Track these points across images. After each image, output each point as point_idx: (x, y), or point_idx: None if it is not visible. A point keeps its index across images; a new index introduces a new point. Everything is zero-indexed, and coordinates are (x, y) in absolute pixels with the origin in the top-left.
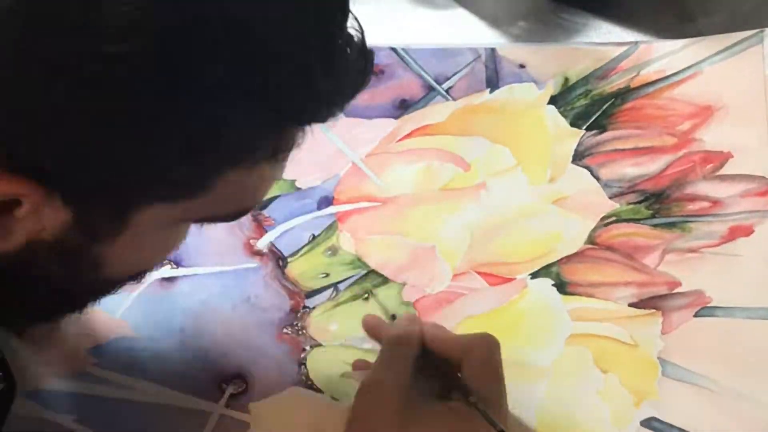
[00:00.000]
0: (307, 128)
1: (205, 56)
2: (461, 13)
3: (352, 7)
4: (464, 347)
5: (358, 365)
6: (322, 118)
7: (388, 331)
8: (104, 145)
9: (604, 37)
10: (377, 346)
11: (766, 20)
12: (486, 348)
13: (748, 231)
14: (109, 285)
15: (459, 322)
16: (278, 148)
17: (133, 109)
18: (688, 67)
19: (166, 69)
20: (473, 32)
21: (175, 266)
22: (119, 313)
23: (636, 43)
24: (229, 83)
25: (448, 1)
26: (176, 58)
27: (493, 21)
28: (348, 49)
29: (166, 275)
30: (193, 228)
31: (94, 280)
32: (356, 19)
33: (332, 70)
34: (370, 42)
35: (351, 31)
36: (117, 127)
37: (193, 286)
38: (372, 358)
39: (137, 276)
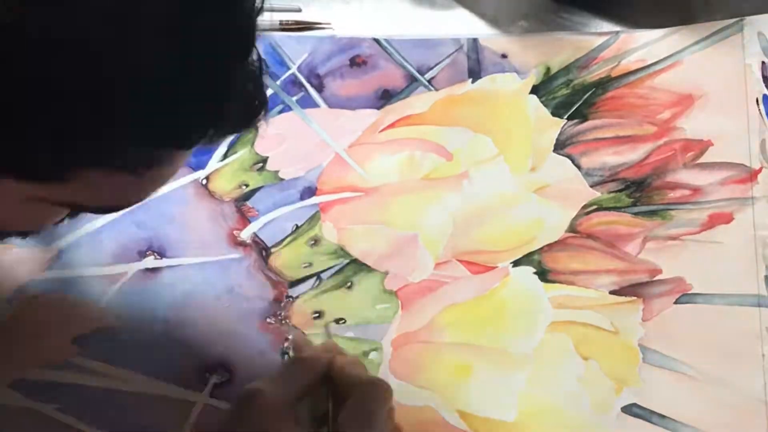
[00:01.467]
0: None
1: (60, 55)
2: (462, 13)
3: (349, 11)
4: (351, 386)
5: (297, 343)
6: (185, 146)
7: (304, 352)
8: None
9: None
10: (361, 335)
11: None
12: (367, 395)
13: (728, 218)
14: None
15: (441, 310)
16: (137, 163)
17: None
18: (669, 56)
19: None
20: (474, 32)
21: (158, 257)
22: (102, 303)
23: (617, 32)
24: (71, 94)
25: (448, 1)
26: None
27: (494, 21)
28: (238, 86)
29: (150, 266)
30: (176, 219)
31: None
32: (259, 54)
33: (214, 108)
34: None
35: (252, 64)
36: None
37: (177, 276)
38: (355, 346)
39: (21, 234)
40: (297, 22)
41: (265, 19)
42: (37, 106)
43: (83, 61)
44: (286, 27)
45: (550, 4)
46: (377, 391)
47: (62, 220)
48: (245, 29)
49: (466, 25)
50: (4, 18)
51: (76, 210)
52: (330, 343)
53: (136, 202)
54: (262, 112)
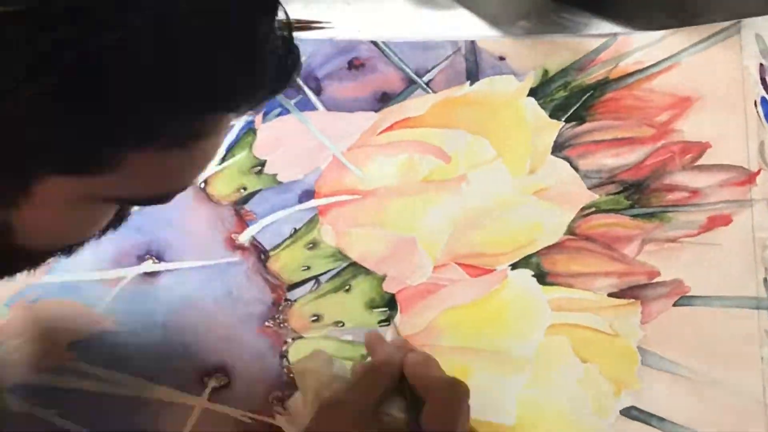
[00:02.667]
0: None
1: (105, 35)
2: (462, 14)
3: (350, 11)
4: (429, 388)
5: (371, 343)
6: (234, 110)
7: (375, 354)
8: None
9: None
10: (359, 338)
11: None
12: (450, 394)
13: (726, 220)
14: (32, 256)
15: (440, 313)
16: (187, 135)
17: (23, 77)
18: (667, 59)
19: (62, 41)
20: (474, 32)
21: (157, 261)
22: (101, 308)
23: (614, 34)
24: (130, 66)
25: (449, 1)
26: (75, 28)
27: (494, 21)
28: (270, 45)
29: (148, 270)
30: (175, 223)
31: (10, 246)
32: (286, 13)
33: (248, 65)
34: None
35: (279, 26)
36: (9, 96)
37: (175, 280)
38: (352, 350)
39: (63, 250)
40: (297, 21)
41: None
42: (83, 87)
43: (125, 37)
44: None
45: (551, 4)
46: (458, 392)
47: (108, 227)
48: None
49: (467, 25)
50: None
51: (125, 204)
52: (400, 341)
53: (185, 185)
54: (297, 68)
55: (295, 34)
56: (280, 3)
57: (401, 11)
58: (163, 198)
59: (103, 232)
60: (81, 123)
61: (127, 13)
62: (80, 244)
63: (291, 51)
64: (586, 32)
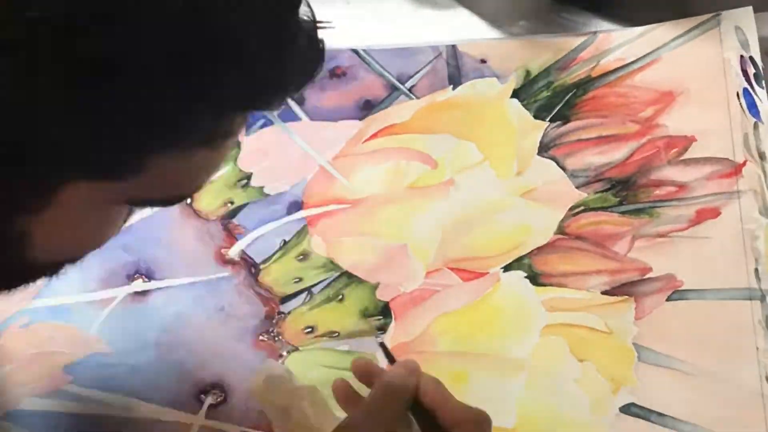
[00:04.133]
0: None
1: (133, 36)
2: (463, 13)
3: (350, 11)
4: (456, 419)
5: (340, 388)
6: (264, 107)
7: (383, 378)
8: (24, 117)
9: None
10: (355, 348)
11: None
12: (477, 426)
13: (715, 213)
14: (44, 266)
15: (434, 318)
16: (215, 134)
17: (53, 81)
18: (647, 54)
19: (90, 42)
20: (474, 32)
21: (146, 279)
22: (93, 329)
23: (595, 32)
24: (160, 65)
25: (449, 1)
26: (101, 30)
27: (494, 20)
28: (297, 38)
29: (139, 289)
30: (163, 240)
31: (24, 258)
32: (309, 6)
33: (277, 59)
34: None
35: (303, 18)
36: (39, 99)
37: (166, 298)
38: (347, 360)
39: (73, 259)
40: None
41: None
42: (115, 89)
43: (161, 35)
44: None
45: (551, 3)
46: (485, 421)
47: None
48: None
49: (468, 25)
50: None
51: (142, 206)
52: (411, 364)
53: (204, 183)
54: (322, 62)
55: None
56: None
57: (401, 11)
58: (180, 198)
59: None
60: (109, 127)
61: (156, 13)
62: (96, 248)
63: (315, 45)
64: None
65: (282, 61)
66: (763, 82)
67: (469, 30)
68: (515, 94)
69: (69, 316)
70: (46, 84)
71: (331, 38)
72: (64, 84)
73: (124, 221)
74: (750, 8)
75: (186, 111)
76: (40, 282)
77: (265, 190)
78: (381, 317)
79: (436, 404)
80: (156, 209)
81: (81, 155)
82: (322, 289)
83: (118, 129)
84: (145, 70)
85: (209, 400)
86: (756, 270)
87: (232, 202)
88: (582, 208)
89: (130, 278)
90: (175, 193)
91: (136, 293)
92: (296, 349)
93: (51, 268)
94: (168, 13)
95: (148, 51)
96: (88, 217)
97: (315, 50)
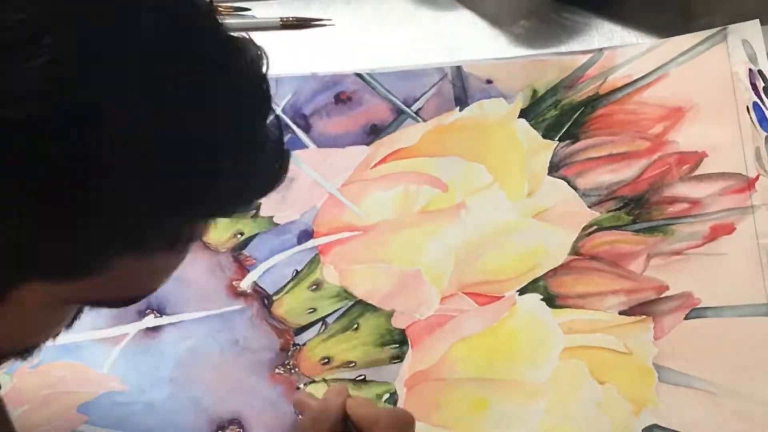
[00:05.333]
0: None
1: (103, 140)
2: (463, 14)
3: (350, 11)
4: (372, 422)
5: (299, 402)
6: (228, 215)
7: (311, 405)
8: None
9: (606, 37)
10: (373, 377)
11: None
12: (391, 425)
13: (729, 229)
14: None
15: (451, 345)
16: (176, 239)
17: (21, 185)
18: (655, 70)
19: (61, 145)
20: (475, 32)
21: (158, 315)
22: (106, 368)
23: (600, 50)
24: (129, 170)
25: (450, 1)
26: (73, 134)
27: (495, 21)
28: (265, 148)
29: (150, 325)
30: (173, 274)
31: None
32: (277, 116)
33: (245, 169)
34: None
35: (271, 128)
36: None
37: (179, 333)
38: (365, 390)
39: (23, 353)
40: (297, 19)
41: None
42: (82, 192)
43: (128, 136)
44: (286, 24)
45: (552, 3)
46: (402, 420)
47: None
48: (263, 86)
49: (468, 25)
50: (32, 86)
51: (97, 306)
52: (339, 386)
53: (162, 284)
54: (287, 169)
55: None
56: (273, 107)
57: (401, 10)
58: (135, 299)
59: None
60: (71, 229)
61: (128, 119)
62: (39, 346)
63: (282, 153)
64: (587, 32)
65: (250, 172)
66: None
67: (469, 31)
68: (523, 113)
69: (80, 354)
70: (11, 186)
71: (331, 41)
72: (31, 187)
73: (74, 319)
74: (757, 21)
75: (151, 217)
76: None
77: (275, 220)
78: (397, 345)
79: (358, 415)
80: None
81: (41, 256)
82: (337, 318)
83: (82, 232)
84: (114, 174)
85: None
86: None
87: (241, 233)
88: (595, 227)
89: (142, 314)
90: (132, 293)
91: (148, 329)
92: (313, 381)
93: (4, 358)
94: (139, 119)
95: (117, 156)
96: (37, 315)
97: (282, 159)
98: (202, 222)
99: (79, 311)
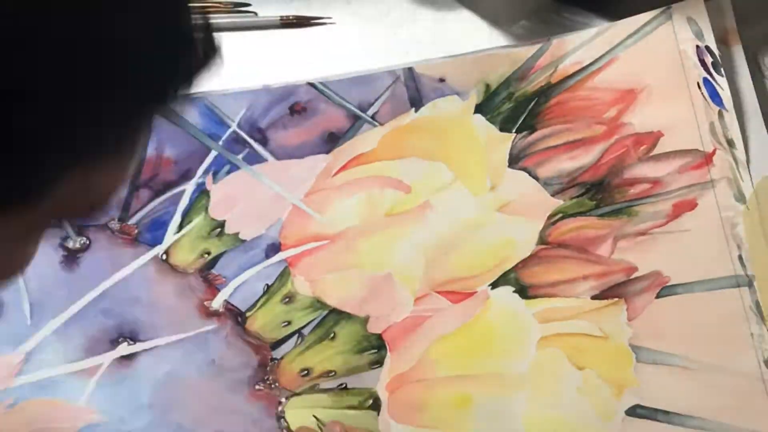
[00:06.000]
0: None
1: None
2: (463, 13)
3: (350, 10)
4: None
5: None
6: (164, 100)
7: None
8: None
9: None
10: (354, 385)
11: None
12: None
13: (691, 205)
14: None
15: (429, 345)
16: (123, 139)
17: None
18: (604, 55)
19: None
20: (475, 32)
21: (131, 342)
22: (82, 400)
23: (548, 39)
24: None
25: (450, 1)
26: None
27: (495, 21)
28: (186, 39)
29: (125, 353)
30: (143, 300)
31: None
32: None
33: (163, 54)
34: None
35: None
36: None
37: (155, 359)
38: (347, 398)
39: None
40: (297, 18)
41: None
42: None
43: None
44: (286, 22)
45: (552, 3)
46: None
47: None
48: None
49: (468, 25)
50: None
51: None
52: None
53: (119, 189)
54: (217, 46)
55: (229, 84)
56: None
57: (401, 10)
58: (91, 213)
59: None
60: (11, 151)
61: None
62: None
63: (211, 44)
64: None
65: (170, 57)
66: (722, 69)
67: (469, 31)
68: (478, 109)
69: (56, 389)
70: None
71: (331, 39)
72: None
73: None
74: None
75: (86, 120)
76: (19, 359)
77: (241, 236)
78: (376, 350)
79: None
80: (131, 270)
81: None
82: (313, 329)
83: (23, 153)
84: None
85: None
86: (740, 256)
87: (208, 253)
88: (560, 215)
89: (114, 343)
90: (90, 207)
91: (123, 357)
92: (294, 393)
93: None
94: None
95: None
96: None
97: (210, 47)
98: (138, 118)
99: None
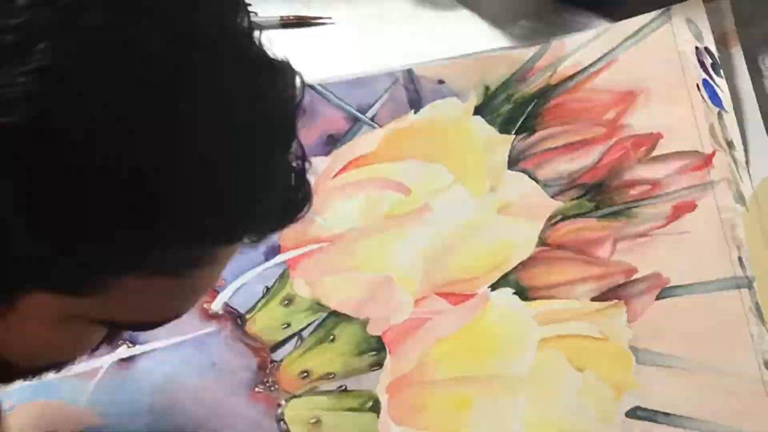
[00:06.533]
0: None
1: (100, 148)
2: (463, 13)
3: (350, 10)
4: None
5: None
6: (230, 240)
7: None
8: None
9: None
10: (354, 387)
11: None
12: None
13: (691, 206)
14: (19, 371)
15: (429, 347)
16: (178, 265)
17: (12, 191)
18: (603, 57)
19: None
20: (475, 32)
21: (131, 344)
22: (82, 402)
23: (547, 40)
24: (113, 192)
25: (450, 1)
26: (75, 140)
27: (495, 21)
28: (283, 178)
29: (124, 355)
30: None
31: None
32: (302, 147)
33: (251, 199)
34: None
35: (292, 162)
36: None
37: (154, 361)
38: (347, 401)
39: (48, 368)
40: (297, 17)
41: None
42: (71, 203)
43: (126, 153)
44: (286, 22)
45: (552, 3)
46: None
47: (100, 344)
48: (287, 120)
49: (468, 25)
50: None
51: (116, 329)
52: None
53: (180, 312)
54: (306, 206)
55: None
56: (296, 135)
57: (401, 10)
58: (154, 325)
59: (96, 347)
60: (70, 245)
61: (120, 133)
62: (71, 361)
63: (302, 184)
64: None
65: (255, 208)
66: (722, 71)
67: (469, 31)
68: (477, 111)
69: (56, 391)
70: (9, 194)
71: (331, 39)
72: (20, 195)
73: (105, 342)
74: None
75: (147, 238)
76: None
77: None
78: (375, 352)
79: None
80: None
81: (41, 268)
82: (312, 331)
83: (79, 248)
84: (101, 195)
85: None
86: (740, 258)
87: None
88: (560, 217)
89: (114, 345)
90: (144, 318)
91: (122, 360)
92: (294, 395)
93: (27, 373)
94: (133, 135)
95: (115, 168)
96: (54, 329)
97: (301, 191)
98: (208, 247)
99: (111, 333)
